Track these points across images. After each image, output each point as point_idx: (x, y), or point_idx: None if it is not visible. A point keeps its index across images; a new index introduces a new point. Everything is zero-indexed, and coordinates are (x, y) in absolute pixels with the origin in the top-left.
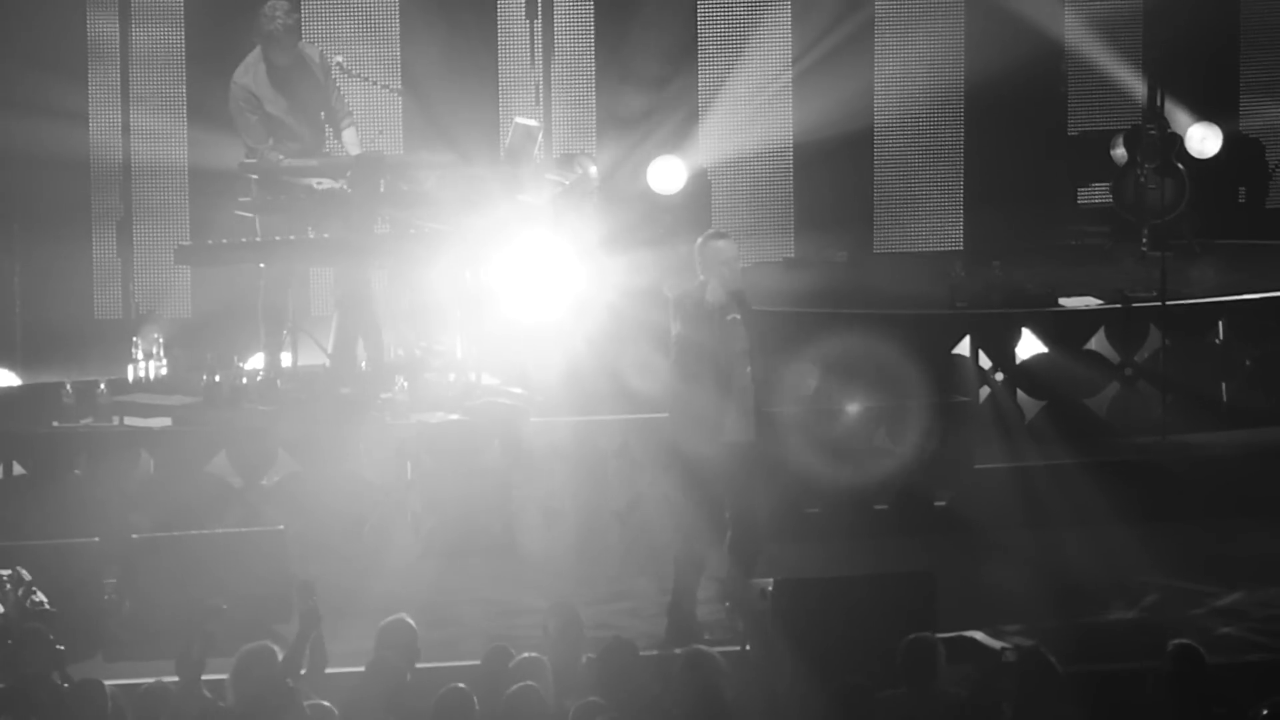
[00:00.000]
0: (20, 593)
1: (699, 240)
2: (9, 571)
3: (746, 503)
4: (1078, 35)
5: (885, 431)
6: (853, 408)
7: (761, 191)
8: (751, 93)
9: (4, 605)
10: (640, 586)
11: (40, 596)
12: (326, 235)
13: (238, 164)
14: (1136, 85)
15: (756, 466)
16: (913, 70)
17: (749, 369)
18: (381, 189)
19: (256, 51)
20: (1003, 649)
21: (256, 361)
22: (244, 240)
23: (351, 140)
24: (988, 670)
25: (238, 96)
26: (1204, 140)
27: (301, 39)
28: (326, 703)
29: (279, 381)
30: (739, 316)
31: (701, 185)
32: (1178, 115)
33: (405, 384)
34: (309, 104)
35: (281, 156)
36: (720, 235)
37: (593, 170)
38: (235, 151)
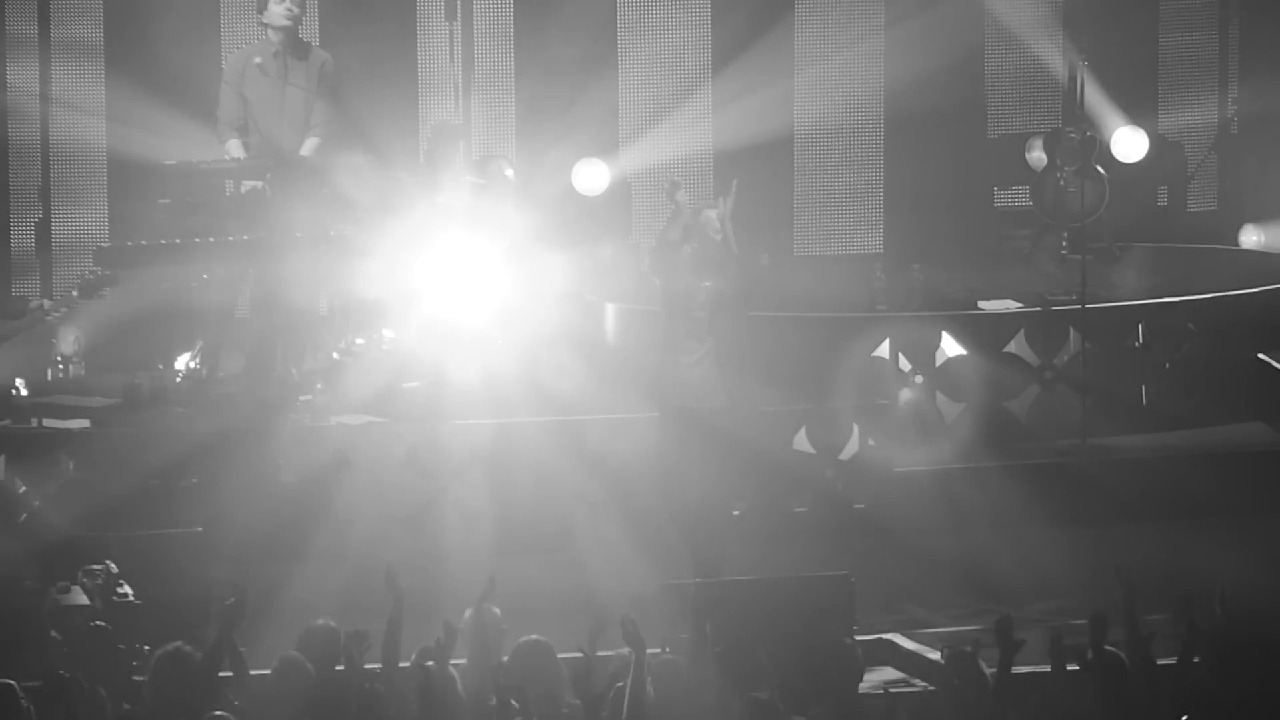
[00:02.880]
0: (107, 585)
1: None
2: (100, 566)
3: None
4: (997, 38)
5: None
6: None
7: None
8: (672, 95)
9: (91, 599)
10: (560, 587)
11: (126, 589)
12: (246, 237)
13: (160, 164)
14: (1062, 85)
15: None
16: (832, 74)
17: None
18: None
19: (264, 38)
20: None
21: (181, 363)
22: (163, 242)
23: (308, 151)
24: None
25: (227, 70)
26: (1130, 144)
27: (298, 33)
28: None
29: (214, 385)
30: (709, 285)
31: (623, 188)
32: (1108, 117)
33: (324, 386)
34: (290, 102)
35: (242, 146)
36: (710, 206)
37: (508, 173)
38: (157, 150)
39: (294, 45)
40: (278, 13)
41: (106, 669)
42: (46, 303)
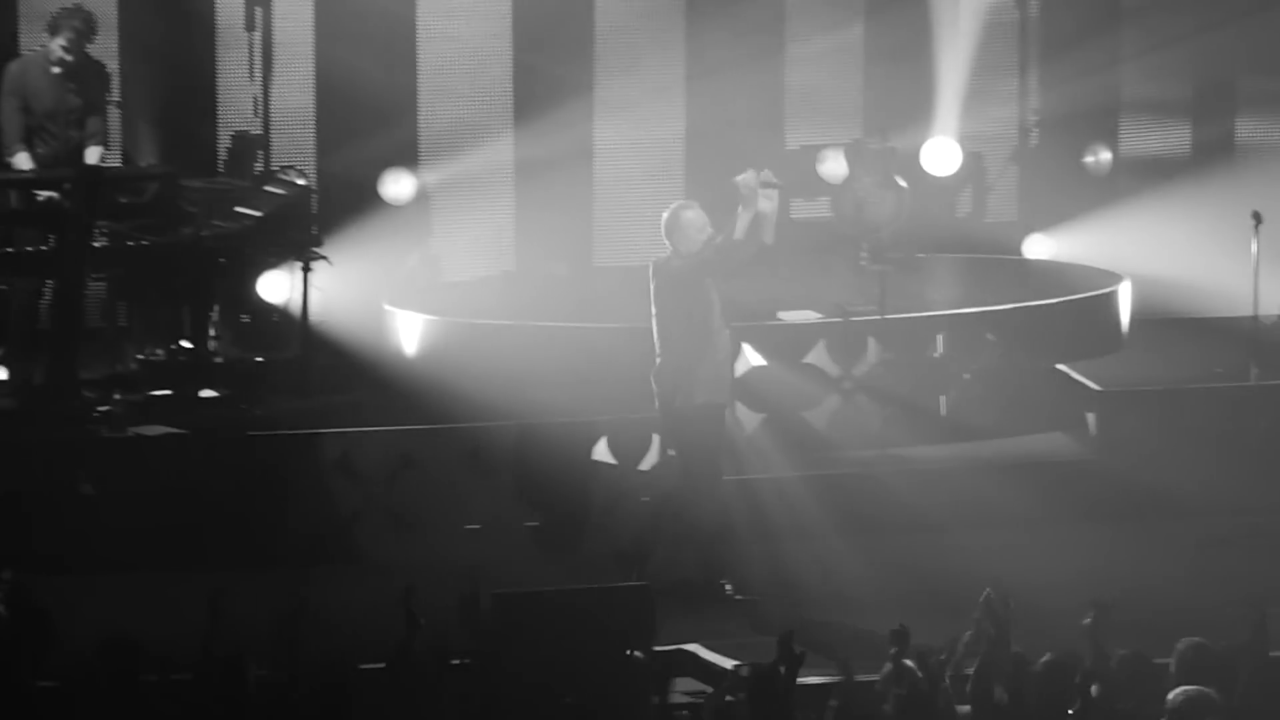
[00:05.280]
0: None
1: (666, 214)
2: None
3: (708, 469)
4: (797, 49)
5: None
6: None
7: (482, 205)
8: (473, 106)
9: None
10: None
11: None
12: (44, 247)
13: None
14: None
15: (722, 430)
16: (634, 87)
17: (726, 332)
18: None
19: (42, 50)
20: (736, 666)
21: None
22: None
23: (92, 159)
24: (721, 687)
25: (7, 82)
26: (942, 156)
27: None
28: None
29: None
30: (709, 281)
31: (424, 198)
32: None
33: (122, 396)
34: (75, 111)
35: (29, 158)
36: (687, 207)
37: (300, 182)
38: None
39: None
40: (55, 49)
41: None
42: None
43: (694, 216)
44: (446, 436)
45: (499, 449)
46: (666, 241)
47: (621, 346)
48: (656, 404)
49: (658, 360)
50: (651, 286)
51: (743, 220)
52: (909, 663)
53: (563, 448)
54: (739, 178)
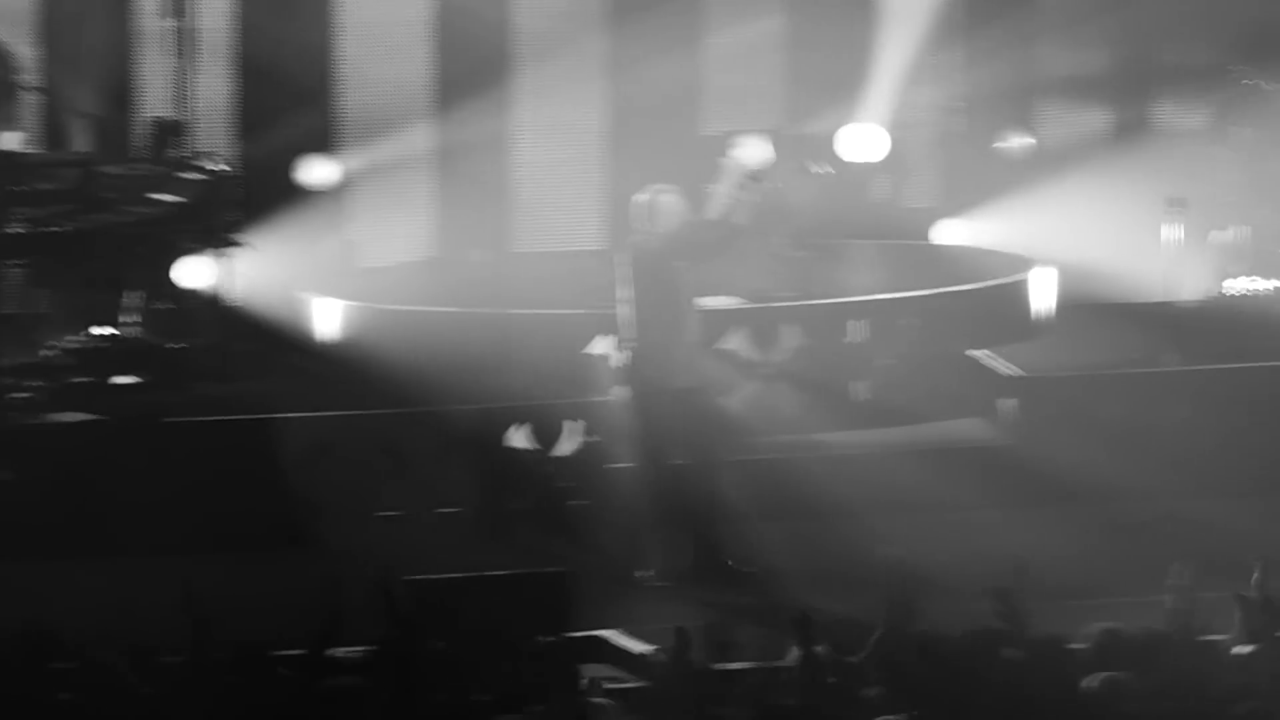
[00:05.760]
0: None
1: (642, 197)
2: None
3: (700, 451)
4: (718, 36)
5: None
6: None
7: (402, 191)
8: (393, 90)
9: None
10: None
11: None
12: None
13: None
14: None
15: (707, 413)
16: (553, 73)
17: (696, 315)
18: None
19: None
20: (651, 650)
21: None
22: None
23: (8, 145)
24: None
25: None
26: (865, 142)
27: None
28: None
29: None
30: (680, 265)
31: (343, 184)
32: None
33: (38, 383)
34: None
35: None
36: (664, 191)
37: (219, 168)
38: None
39: None
40: None
41: None
42: None
43: (671, 201)
44: (365, 423)
45: (418, 435)
46: (641, 226)
47: (540, 332)
48: (629, 389)
49: (629, 345)
50: (622, 270)
51: (717, 201)
52: (819, 648)
53: (481, 433)
54: (731, 155)
